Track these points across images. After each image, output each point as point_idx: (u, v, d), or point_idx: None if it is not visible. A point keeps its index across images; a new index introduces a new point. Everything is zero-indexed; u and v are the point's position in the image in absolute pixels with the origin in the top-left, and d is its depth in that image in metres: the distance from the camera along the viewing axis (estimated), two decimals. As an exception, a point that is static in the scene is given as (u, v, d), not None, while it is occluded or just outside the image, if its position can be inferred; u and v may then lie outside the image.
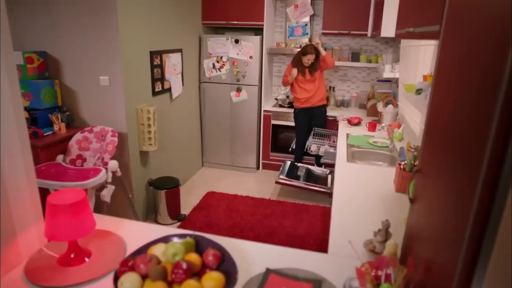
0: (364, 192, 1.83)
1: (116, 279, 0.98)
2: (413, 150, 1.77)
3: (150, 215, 3.23)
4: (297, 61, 3.59)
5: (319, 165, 3.84)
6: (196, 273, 1.04)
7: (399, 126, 2.87)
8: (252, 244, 1.34)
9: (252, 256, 1.26)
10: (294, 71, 3.57)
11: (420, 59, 2.47)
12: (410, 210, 1.15)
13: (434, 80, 1.01)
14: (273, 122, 4.15)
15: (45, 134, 2.52)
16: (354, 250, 1.14)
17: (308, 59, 3.50)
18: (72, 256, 1.18)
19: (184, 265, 0.97)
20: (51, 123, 2.60)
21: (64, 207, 1.10)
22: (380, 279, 0.98)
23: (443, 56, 0.96)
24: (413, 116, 2.55)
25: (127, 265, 1.01)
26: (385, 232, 1.25)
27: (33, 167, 1.31)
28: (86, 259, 1.19)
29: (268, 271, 1.13)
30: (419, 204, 1.06)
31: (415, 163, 1.81)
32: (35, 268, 1.16)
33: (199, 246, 1.15)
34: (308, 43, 4.03)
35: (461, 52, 0.82)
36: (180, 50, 3.54)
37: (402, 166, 1.85)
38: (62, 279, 1.11)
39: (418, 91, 1.57)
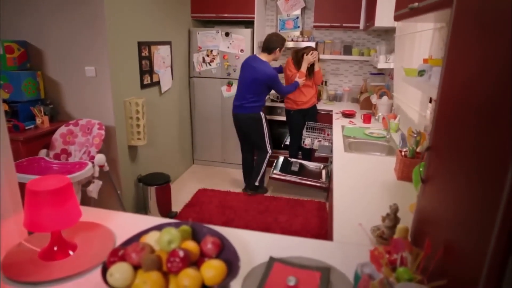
0: (365, 181, 1.76)
1: (105, 271, 0.88)
2: (415, 135, 1.71)
3: (140, 212, 3.11)
4: (296, 62, 3.46)
5: (308, 158, 3.78)
6: (194, 262, 0.94)
7: (395, 117, 2.83)
8: (251, 233, 1.25)
9: (253, 245, 1.17)
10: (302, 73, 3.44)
11: (416, 46, 2.43)
12: (421, 192, 1.08)
13: (448, 48, 0.94)
14: (265, 117, 4.07)
15: (26, 128, 2.38)
16: (365, 232, 1.07)
17: (313, 56, 3.41)
18: (55, 249, 1.07)
19: (181, 253, 0.87)
20: (33, 116, 2.46)
21: (46, 194, 1.00)
22: (395, 263, 0.91)
23: (457, 21, 0.89)
24: (411, 105, 2.51)
25: (117, 255, 0.90)
26: (394, 216, 1.18)
27: (10, 154, 1.20)
28: (71, 252, 1.09)
29: (272, 260, 1.04)
30: (433, 184, 0.99)
31: (417, 149, 1.75)
32: (14, 263, 1.04)
33: (196, 235, 1.05)
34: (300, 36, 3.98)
35: (480, 11, 0.75)
36: (169, 43, 3.43)
37: (403, 153, 1.79)
38: (44, 274, 1.00)
39: (421, 73, 1.51)
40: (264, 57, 3.19)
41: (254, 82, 3.15)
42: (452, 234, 0.81)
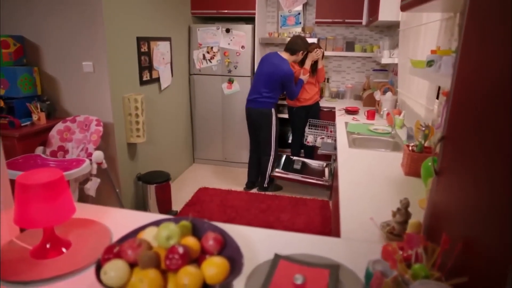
0: (371, 177, 1.70)
1: (99, 269, 0.82)
2: (423, 129, 1.65)
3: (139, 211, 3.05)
4: (301, 60, 3.41)
5: (310, 157, 3.73)
6: (194, 260, 0.88)
7: (399, 113, 2.77)
8: (254, 230, 1.20)
9: (256, 242, 1.11)
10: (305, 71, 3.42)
11: (421, 39, 2.37)
12: (435, 185, 1.02)
13: (464, 32, 0.88)
14: (267, 114, 4.00)
15: (22, 124, 2.32)
16: (376, 226, 1.00)
17: (317, 54, 3.36)
18: (47, 246, 1.02)
19: (180, 250, 0.81)
20: (29, 113, 2.41)
21: (37, 187, 0.94)
22: (409, 260, 0.85)
23: (473, 3, 0.83)
24: (417, 99, 2.45)
25: (112, 252, 0.84)
26: (405, 211, 1.12)
27: (0, 149, 1.14)
28: (64, 250, 1.03)
29: (278, 257, 0.98)
30: (448, 176, 0.93)
31: (425, 143, 1.69)
32: (4, 262, 0.99)
33: (196, 231, 0.99)
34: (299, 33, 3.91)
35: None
36: (168, 39, 3.37)
37: (411, 148, 1.73)
38: (35, 273, 0.94)
39: (430, 63, 1.46)
40: (285, 55, 3.23)
41: (271, 78, 3.18)
42: (472, 228, 0.75)
